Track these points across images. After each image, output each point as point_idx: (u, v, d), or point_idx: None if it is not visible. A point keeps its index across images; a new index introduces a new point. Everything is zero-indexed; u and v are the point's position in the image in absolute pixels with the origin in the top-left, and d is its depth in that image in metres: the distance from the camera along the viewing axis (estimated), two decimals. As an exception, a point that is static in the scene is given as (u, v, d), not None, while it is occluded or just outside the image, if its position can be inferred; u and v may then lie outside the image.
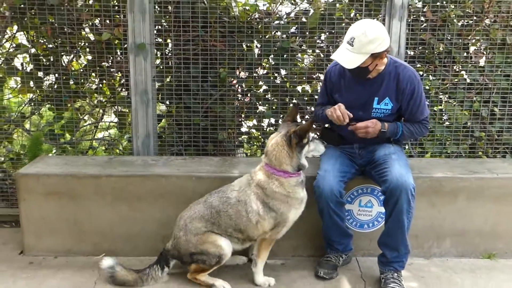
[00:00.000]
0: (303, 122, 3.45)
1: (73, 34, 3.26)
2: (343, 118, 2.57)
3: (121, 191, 2.84)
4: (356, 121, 2.60)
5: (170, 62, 3.36)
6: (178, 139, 3.42)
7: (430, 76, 3.37)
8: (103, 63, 3.38)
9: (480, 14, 3.27)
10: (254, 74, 3.40)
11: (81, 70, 3.42)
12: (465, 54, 3.33)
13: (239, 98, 3.50)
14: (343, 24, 3.23)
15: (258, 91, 3.47)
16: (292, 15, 3.36)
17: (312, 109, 3.39)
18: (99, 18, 3.26)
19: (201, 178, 2.84)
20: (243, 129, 3.56)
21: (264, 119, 3.48)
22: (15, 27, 3.36)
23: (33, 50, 3.35)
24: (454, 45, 3.28)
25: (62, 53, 3.34)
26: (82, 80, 3.40)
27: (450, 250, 2.95)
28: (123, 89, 3.46)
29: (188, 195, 2.82)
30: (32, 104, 3.47)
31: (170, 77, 3.37)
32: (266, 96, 3.46)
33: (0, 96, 3.43)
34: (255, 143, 3.64)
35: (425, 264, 2.87)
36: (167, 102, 3.47)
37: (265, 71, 3.45)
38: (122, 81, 3.45)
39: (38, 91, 3.42)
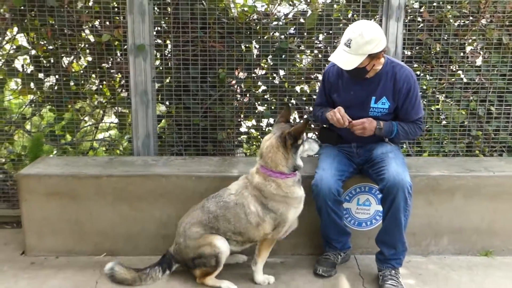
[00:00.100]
0: (300, 121, 3.48)
1: (73, 36, 3.28)
2: (343, 121, 2.60)
3: (121, 191, 2.86)
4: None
5: (169, 63, 3.38)
6: (178, 139, 3.45)
7: (427, 76, 3.40)
8: (103, 64, 3.40)
9: (476, 14, 3.30)
10: (253, 75, 3.43)
11: (82, 71, 3.44)
12: (461, 54, 3.36)
13: (238, 99, 3.52)
14: (341, 25, 3.25)
15: (257, 92, 3.50)
16: (290, 16, 3.38)
17: (311, 109, 3.42)
18: (99, 20, 3.29)
19: (201, 178, 2.87)
20: (242, 129, 3.58)
21: (263, 119, 3.50)
22: (15, 29, 3.38)
23: (33, 52, 3.37)
24: (450, 45, 3.31)
25: (63, 55, 3.36)
26: (82, 81, 3.42)
27: (448, 248, 2.98)
28: (123, 90, 3.48)
29: (188, 194, 2.85)
30: (33, 105, 3.49)
31: (169, 77, 3.39)
32: (265, 96, 3.49)
33: (0, 98, 3.45)
34: (254, 143, 3.66)
35: (422, 262, 2.90)
36: (167, 103, 3.49)
37: (263, 72, 3.48)
38: (122, 82, 3.47)
39: (38, 92, 3.44)
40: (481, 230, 2.96)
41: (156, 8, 3.28)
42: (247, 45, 3.38)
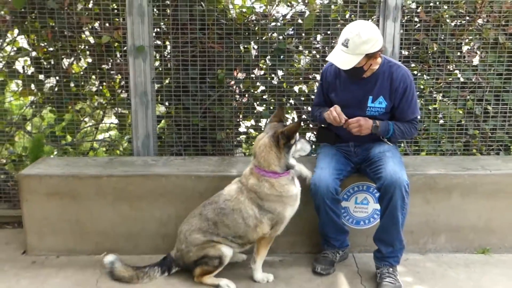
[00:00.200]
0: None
1: (73, 38, 3.31)
2: (339, 119, 2.63)
3: (121, 191, 2.89)
4: None
5: (169, 64, 3.41)
6: (178, 140, 3.47)
7: (424, 75, 3.43)
8: (103, 66, 3.43)
9: (473, 14, 3.33)
10: (252, 75, 3.46)
11: (82, 72, 3.46)
12: (458, 53, 3.39)
13: (237, 99, 3.55)
14: (338, 25, 3.28)
15: (256, 92, 3.52)
16: (288, 17, 3.41)
17: (309, 109, 3.45)
18: (98, 22, 3.31)
19: (200, 177, 2.89)
20: (241, 129, 3.61)
21: (262, 119, 3.53)
22: (16, 31, 3.40)
23: (34, 54, 3.40)
24: (447, 45, 3.34)
25: (63, 56, 3.39)
26: (82, 83, 3.44)
27: (445, 246, 3.00)
28: (123, 91, 3.50)
29: (187, 194, 2.88)
30: (34, 106, 3.51)
31: (169, 78, 3.42)
32: (264, 97, 3.51)
33: (1, 99, 3.47)
34: (253, 143, 3.68)
35: (420, 260, 2.92)
36: (166, 103, 3.52)
37: (262, 72, 3.50)
38: (122, 83, 3.50)
39: (39, 93, 3.46)
40: (478, 228, 2.98)
41: (155, 10, 3.31)
42: (245, 46, 3.41)
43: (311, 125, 3.53)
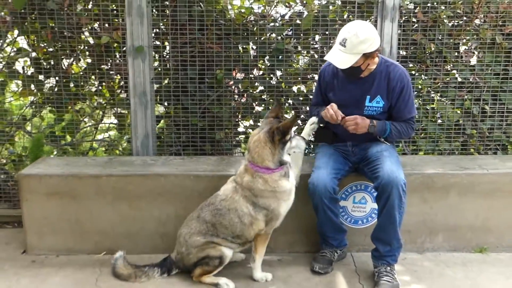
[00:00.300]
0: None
1: (73, 38, 3.33)
2: (336, 116, 2.65)
3: (121, 191, 2.90)
4: None
5: (168, 64, 3.43)
6: (177, 140, 3.49)
7: (422, 75, 3.45)
8: (102, 66, 3.45)
9: (470, 15, 3.34)
10: (250, 75, 3.48)
11: (81, 73, 3.48)
12: (456, 53, 3.41)
13: (236, 99, 3.56)
14: (336, 26, 3.29)
15: (254, 92, 3.54)
16: (287, 17, 3.43)
17: (307, 108, 3.46)
18: (98, 22, 3.33)
19: (199, 177, 2.90)
20: (240, 129, 3.63)
21: (260, 119, 3.54)
22: (16, 32, 3.42)
23: (33, 54, 3.41)
24: (445, 45, 3.35)
25: (62, 57, 3.41)
26: (82, 83, 3.46)
27: (443, 245, 3.01)
28: (122, 91, 3.52)
29: (186, 193, 2.89)
30: (33, 106, 3.53)
31: (168, 79, 3.44)
32: (262, 97, 3.53)
33: (1, 99, 3.49)
34: (251, 143, 3.70)
35: (418, 259, 2.93)
36: (166, 103, 3.54)
37: (261, 72, 3.52)
38: (121, 83, 3.52)
39: (39, 94, 3.48)
40: (476, 227, 2.99)
41: (154, 10, 3.33)
42: (244, 46, 3.43)
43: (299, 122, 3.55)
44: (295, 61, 3.55)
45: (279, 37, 3.41)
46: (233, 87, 3.55)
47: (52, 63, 3.43)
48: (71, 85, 3.44)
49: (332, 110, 2.65)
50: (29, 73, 3.46)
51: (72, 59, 3.44)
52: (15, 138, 3.62)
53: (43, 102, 3.50)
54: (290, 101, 3.54)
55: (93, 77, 3.51)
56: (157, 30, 3.41)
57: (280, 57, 3.40)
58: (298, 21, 3.38)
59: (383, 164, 2.55)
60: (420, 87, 3.46)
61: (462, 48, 3.44)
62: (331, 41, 3.34)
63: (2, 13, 3.33)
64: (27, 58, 3.43)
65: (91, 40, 3.40)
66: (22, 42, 3.44)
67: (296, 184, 2.64)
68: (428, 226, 2.98)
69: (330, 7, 3.37)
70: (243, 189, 2.50)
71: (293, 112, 3.57)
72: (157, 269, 2.64)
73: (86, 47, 3.43)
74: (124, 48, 3.28)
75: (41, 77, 3.46)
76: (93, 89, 3.56)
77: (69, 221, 2.92)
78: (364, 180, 2.87)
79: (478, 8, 3.32)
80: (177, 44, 3.31)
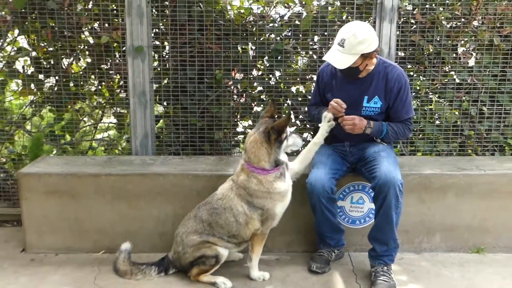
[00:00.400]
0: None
1: (73, 38, 3.34)
2: (340, 107, 2.63)
3: (120, 190, 2.91)
4: None
5: (167, 64, 3.44)
6: (176, 139, 3.50)
7: (420, 76, 3.46)
8: (102, 66, 3.46)
9: (468, 16, 3.36)
10: (249, 76, 3.49)
11: (81, 72, 3.49)
12: (454, 55, 3.42)
13: (235, 99, 3.58)
14: (335, 27, 3.31)
15: (253, 92, 3.55)
16: (286, 18, 3.44)
17: (306, 109, 3.47)
18: (98, 22, 3.35)
19: (197, 176, 2.92)
20: (239, 129, 3.64)
21: (259, 119, 3.55)
22: (16, 31, 3.44)
23: (34, 53, 3.43)
24: (443, 46, 3.37)
25: (62, 56, 3.42)
26: (81, 82, 3.48)
27: (440, 245, 3.03)
28: (122, 91, 3.54)
29: (185, 192, 2.91)
30: (33, 106, 3.54)
31: (167, 78, 3.45)
32: (261, 97, 3.54)
33: (1, 98, 3.51)
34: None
35: (415, 259, 2.95)
36: (165, 103, 3.55)
37: (259, 73, 3.54)
38: (120, 83, 3.53)
39: (39, 93, 3.50)
40: (473, 228, 3.01)
41: (154, 10, 3.34)
42: (243, 47, 3.44)
43: (308, 125, 3.56)
44: (294, 61, 3.56)
45: (278, 38, 3.42)
46: (232, 87, 3.56)
47: (52, 62, 3.44)
48: (71, 84, 3.46)
49: (335, 103, 2.63)
50: (29, 72, 3.47)
51: (72, 58, 3.45)
52: (15, 137, 3.63)
53: (43, 101, 3.51)
54: (289, 101, 3.55)
55: (92, 76, 3.52)
56: (157, 30, 3.43)
57: (279, 57, 3.41)
58: (297, 22, 3.40)
59: (380, 165, 2.57)
60: (418, 88, 3.48)
61: (460, 50, 3.46)
62: (330, 42, 3.35)
63: (3, 13, 3.35)
64: (27, 58, 3.44)
65: (91, 40, 3.41)
66: (23, 41, 3.45)
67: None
68: (426, 226, 3.00)
69: (329, 8, 3.39)
70: (238, 188, 2.52)
71: (291, 113, 3.58)
72: (154, 268, 2.65)
73: (86, 47, 3.44)
74: (124, 48, 3.29)
75: (41, 76, 3.47)
76: (93, 88, 3.57)
77: (68, 219, 2.94)
78: (362, 180, 2.89)
79: (476, 10, 3.33)
80: (176, 44, 3.33)
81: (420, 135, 3.52)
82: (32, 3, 3.22)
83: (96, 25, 3.39)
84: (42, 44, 3.42)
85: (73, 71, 3.48)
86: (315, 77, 3.36)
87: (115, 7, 3.34)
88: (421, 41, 3.34)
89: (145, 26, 3.20)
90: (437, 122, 3.54)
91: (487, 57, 3.38)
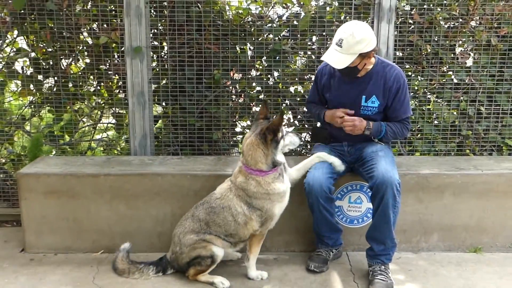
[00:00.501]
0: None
1: (72, 38, 3.35)
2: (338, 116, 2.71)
3: (118, 190, 2.92)
4: None
5: (166, 65, 3.45)
6: (174, 139, 3.51)
7: (418, 76, 3.47)
8: (100, 66, 3.47)
9: (466, 17, 3.37)
10: (248, 76, 3.50)
11: (80, 73, 3.51)
12: (451, 55, 3.43)
13: (233, 99, 3.59)
14: (333, 27, 3.32)
15: (252, 92, 3.56)
16: (284, 18, 3.45)
17: (305, 109, 3.48)
18: (96, 23, 3.36)
19: (196, 176, 2.93)
20: (237, 129, 3.65)
21: (253, 121, 3.56)
22: (16, 32, 3.45)
23: (33, 54, 3.44)
24: (441, 47, 3.38)
25: (61, 57, 3.43)
26: (80, 83, 3.49)
27: (438, 245, 3.03)
28: (121, 91, 3.55)
29: (183, 192, 2.92)
30: (32, 106, 3.55)
31: (166, 79, 3.46)
32: (260, 97, 3.55)
33: (1, 99, 3.52)
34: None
35: (413, 258, 2.95)
36: (163, 104, 3.56)
37: (258, 73, 3.55)
38: (119, 84, 3.54)
39: (38, 94, 3.51)
40: (470, 227, 3.02)
41: (152, 11, 3.35)
42: (241, 47, 3.45)
43: (306, 125, 3.57)
44: (292, 61, 3.57)
45: (277, 38, 3.44)
46: (230, 87, 3.57)
47: (51, 63, 3.45)
48: (70, 85, 3.47)
49: (340, 113, 2.72)
50: (28, 73, 3.48)
51: (70, 59, 3.46)
52: (14, 137, 3.65)
53: (42, 102, 3.52)
54: (287, 101, 3.56)
55: (91, 77, 3.53)
56: (155, 30, 3.44)
57: (277, 57, 3.42)
58: (295, 22, 3.41)
59: (378, 164, 2.57)
60: (416, 88, 3.49)
61: (458, 50, 3.47)
62: (328, 42, 3.36)
63: (2, 14, 3.36)
64: (26, 58, 3.45)
65: (89, 41, 3.42)
66: (22, 42, 3.46)
67: (293, 183, 2.68)
68: (423, 225, 3.00)
69: (327, 8, 3.40)
70: (237, 189, 2.53)
71: (290, 112, 3.59)
72: (152, 267, 2.66)
73: (85, 48, 3.45)
74: (123, 49, 3.30)
75: (40, 77, 3.49)
76: (92, 89, 3.59)
77: (67, 219, 2.95)
78: (360, 180, 2.89)
79: (473, 10, 3.34)
80: (175, 45, 3.34)
81: (418, 135, 3.53)
82: (31, 4, 3.23)
83: (94, 25, 3.40)
84: (41, 45, 3.43)
85: (72, 72, 3.49)
86: (313, 77, 3.38)
87: (113, 8, 3.35)
88: (419, 41, 3.35)
89: (143, 26, 3.21)
90: (435, 122, 3.55)
91: (484, 57, 3.39)
